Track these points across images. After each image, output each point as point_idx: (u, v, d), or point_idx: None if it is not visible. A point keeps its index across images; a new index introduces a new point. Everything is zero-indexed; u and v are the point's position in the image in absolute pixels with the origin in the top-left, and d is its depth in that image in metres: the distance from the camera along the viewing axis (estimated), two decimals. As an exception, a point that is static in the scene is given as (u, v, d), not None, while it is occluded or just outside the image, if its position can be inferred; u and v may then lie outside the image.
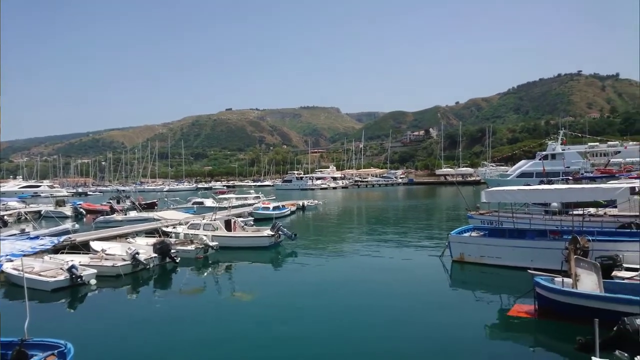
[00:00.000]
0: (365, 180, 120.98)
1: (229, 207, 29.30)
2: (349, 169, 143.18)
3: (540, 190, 18.46)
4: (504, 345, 9.72)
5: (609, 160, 52.81)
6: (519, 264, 14.64)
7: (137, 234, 23.61)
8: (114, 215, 35.06)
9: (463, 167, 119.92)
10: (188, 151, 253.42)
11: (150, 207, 40.51)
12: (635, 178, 25.56)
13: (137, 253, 17.23)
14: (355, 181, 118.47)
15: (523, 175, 56.53)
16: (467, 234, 18.10)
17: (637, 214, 18.47)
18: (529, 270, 11.51)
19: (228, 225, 23.76)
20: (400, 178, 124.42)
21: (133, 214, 35.05)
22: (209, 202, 41.05)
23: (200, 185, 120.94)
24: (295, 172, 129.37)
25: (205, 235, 20.93)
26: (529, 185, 27.20)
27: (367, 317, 11.51)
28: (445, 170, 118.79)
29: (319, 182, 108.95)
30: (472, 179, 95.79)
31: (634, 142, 70.95)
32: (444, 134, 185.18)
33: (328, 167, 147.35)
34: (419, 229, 28.57)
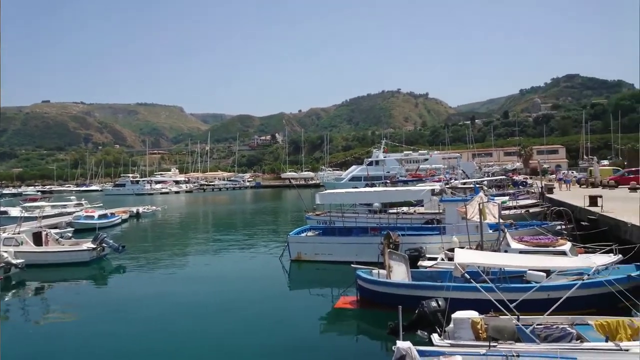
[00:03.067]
0: (212, 183, 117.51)
1: (40, 216, 24.87)
2: (194, 171, 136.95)
3: (364, 193, 20.72)
4: (330, 335, 10.55)
5: (419, 167, 62.51)
6: (347, 258, 16.04)
7: None
8: None
9: (305, 171, 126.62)
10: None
11: None
12: (437, 181, 30.81)
13: None
14: (201, 185, 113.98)
15: (353, 179, 62.66)
16: (304, 234, 19.15)
17: (438, 211, 22.17)
18: (352, 265, 12.73)
19: (38, 238, 20.19)
20: (248, 181, 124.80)
21: None
22: (15, 212, 34.19)
23: (6, 191, 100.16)
24: (130, 175, 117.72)
25: (5, 251, 17.33)
26: (357, 188, 30.22)
27: (204, 324, 11.17)
28: (289, 174, 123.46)
29: (158, 186, 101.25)
30: (314, 182, 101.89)
31: (438, 152, 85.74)
32: (289, 140, 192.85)
33: (170, 170, 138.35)
34: (265, 232, 29.03)
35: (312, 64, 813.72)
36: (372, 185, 34.36)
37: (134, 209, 42.19)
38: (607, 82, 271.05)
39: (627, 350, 6.12)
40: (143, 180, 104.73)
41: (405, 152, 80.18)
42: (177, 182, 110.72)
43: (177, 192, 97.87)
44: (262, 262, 19.49)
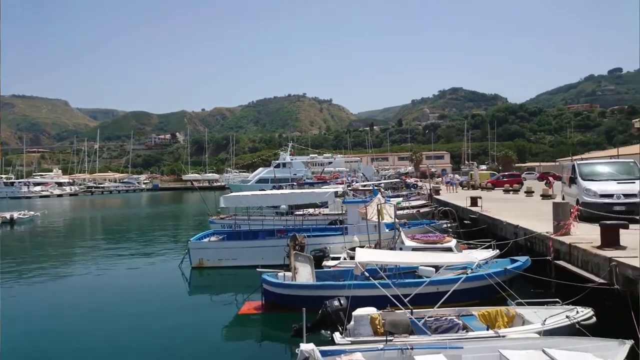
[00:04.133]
0: (101, 185, 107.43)
1: None
2: (81, 172, 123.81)
3: (271, 195, 20.66)
4: (234, 342, 10.26)
5: (324, 169, 64.36)
6: (252, 263, 15.76)
7: None
8: None
9: (209, 172, 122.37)
10: None
11: None
12: (340, 184, 31.97)
13: None
14: (89, 187, 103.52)
15: (260, 181, 62.22)
16: (206, 239, 18.40)
17: (341, 212, 22.92)
18: (258, 268, 12.55)
19: None
20: (144, 183, 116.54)
21: None
22: None
23: None
24: (4, 175, 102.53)
25: None
26: (264, 190, 30.02)
27: (94, 339, 10.06)
28: (192, 175, 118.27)
29: (38, 188, 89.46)
30: (218, 184, 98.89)
31: (341, 155, 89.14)
32: (191, 140, 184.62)
33: (51, 170, 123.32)
34: (164, 238, 27.30)
35: (218, 61, 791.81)
36: (280, 188, 34.44)
37: (7, 215, 36.75)
38: (486, 96, 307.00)
39: (504, 336, 6.90)
40: (19, 182, 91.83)
41: (311, 155, 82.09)
42: (59, 184, 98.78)
43: (59, 195, 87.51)
44: (160, 270, 18.29)
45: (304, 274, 12.14)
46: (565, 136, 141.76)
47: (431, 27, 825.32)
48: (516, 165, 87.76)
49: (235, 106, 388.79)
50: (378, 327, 7.65)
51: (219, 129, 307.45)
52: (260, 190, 30.89)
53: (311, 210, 25.51)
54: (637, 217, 13.33)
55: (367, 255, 8.94)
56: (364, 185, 32.14)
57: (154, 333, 10.75)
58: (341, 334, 7.54)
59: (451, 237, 14.20)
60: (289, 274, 12.08)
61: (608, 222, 10.02)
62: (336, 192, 20.83)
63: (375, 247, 13.76)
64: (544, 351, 6.10)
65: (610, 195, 14.07)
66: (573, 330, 7.25)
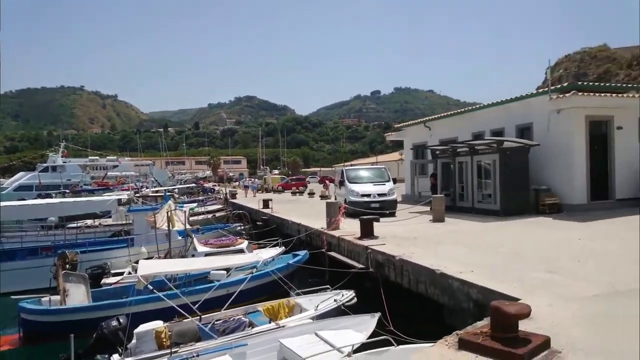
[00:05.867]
0: None
1: None
2: None
3: (35, 205, 17.27)
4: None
5: (107, 174, 57.28)
6: (9, 289, 12.85)
7: None
8: None
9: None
10: None
11: None
12: (126, 190, 29.06)
13: None
14: None
15: (21, 188, 50.92)
16: None
17: (126, 222, 20.89)
18: (13, 296, 10.34)
19: None
20: None
21: None
22: None
23: None
24: None
25: None
26: (25, 199, 24.89)
27: None
28: None
29: None
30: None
31: (129, 158, 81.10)
32: None
33: None
34: None
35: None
36: (47, 196, 29.06)
37: None
38: (277, 106, 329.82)
39: (284, 326, 7.53)
40: None
41: (90, 157, 71.68)
42: None
43: None
44: None
45: (77, 295, 10.59)
46: (340, 145, 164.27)
47: (234, 35, 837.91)
48: (302, 170, 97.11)
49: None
50: (164, 340, 7.33)
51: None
52: (20, 199, 25.36)
53: (89, 222, 22.42)
54: (387, 212, 16.72)
55: (151, 267, 8.42)
56: (156, 192, 30.18)
57: None
58: (120, 355, 6.90)
59: (243, 239, 14.69)
60: (57, 297, 10.33)
61: (365, 217, 12.12)
62: (119, 200, 18.87)
63: (166, 257, 13.10)
64: (316, 334, 6.94)
65: (369, 195, 17.15)
66: (339, 311, 8.48)
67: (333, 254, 12.20)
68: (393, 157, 62.32)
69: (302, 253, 12.57)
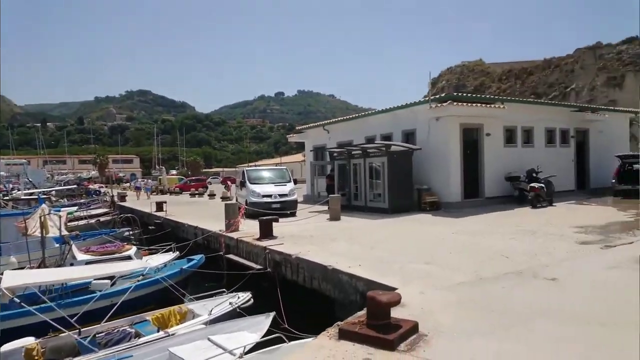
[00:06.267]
0: None
1: None
2: None
3: None
4: None
5: (-33, 174, 49.16)
6: None
7: None
8: None
9: None
10: None
11: None
12: None
13: None
14: None
15: None
16: None
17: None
18: None
19: None
20: None
21: None
22: None
23: None
24: None
25: None
26: None
27: None
28: None
29: None
30: None
31: (-3, 156, 70.45)
32: None
33: None
34: None
35: None
36: None
37: None
38: (175, 102, 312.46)
39: (174, 334, 7.23)
40: None
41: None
42: None
43: None
44: None
45: None
46: (244, 145, 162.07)
47: (129, 24, 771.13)
48: (204, 170, 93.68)
49: None
50: (36, 357, 6.62)
51: None
52: None
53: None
54: (288, 212, 16.99)
55: (18, 279, 7.47)
56: (30, 194, 26.79)
57: None
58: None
59: (132, 245, 13.73)
60: None
61: (264, 217, 12.18)
62: None
63: (39, 267, 11.69)
64: (209, 339, 6.80)
65: (270, 195, 17.25)
66: (235, 314, 8.41)
67: (231, 256, 12.03)
68: (297, 159, 63.35)
69: (198, 257, 12.17)
